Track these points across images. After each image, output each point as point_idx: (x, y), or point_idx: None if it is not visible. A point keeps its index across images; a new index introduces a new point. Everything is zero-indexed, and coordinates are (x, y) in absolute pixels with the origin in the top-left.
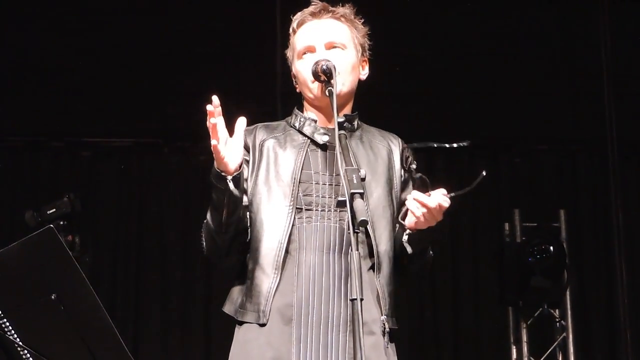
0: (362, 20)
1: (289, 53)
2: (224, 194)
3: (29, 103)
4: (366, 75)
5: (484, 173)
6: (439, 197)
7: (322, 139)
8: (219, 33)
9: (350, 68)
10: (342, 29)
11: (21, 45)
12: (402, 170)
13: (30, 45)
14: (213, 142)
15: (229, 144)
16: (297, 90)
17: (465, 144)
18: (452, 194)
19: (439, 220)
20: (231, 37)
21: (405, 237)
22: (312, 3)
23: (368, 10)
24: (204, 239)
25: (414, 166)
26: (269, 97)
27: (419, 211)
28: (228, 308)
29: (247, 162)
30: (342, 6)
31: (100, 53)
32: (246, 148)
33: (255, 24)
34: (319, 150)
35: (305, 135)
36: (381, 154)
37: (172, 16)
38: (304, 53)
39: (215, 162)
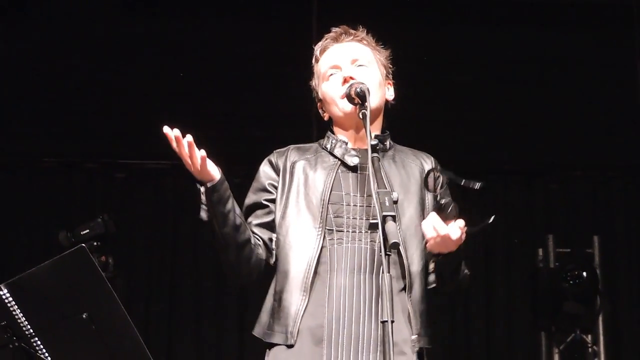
0: (384, 46)
1: (314, 82)
2: (206, 206)
3: (63, 125)
4: (392, 96)
5: (493, 218)
6: (452, 227)
7: (352, 160)
8: (254, 56)
9: (377, 84)
10: (365, 49)
11: (56, 67)
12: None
13: (66, 67)
14: (197, 159)
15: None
16: (325, 118)
17: (477, 185)
18: (466, 230)
19: (452, 250)
20: (266, 60)
21: (431, 266)
22: (332, 30)
23: (404, 35)
24: (220, 262)
25: (440, 191)
26: (305, 120)
27: (431, 234)
28: (257, 331)
29: (275, 187)
30: (366, 32)
31: (135, 75)
32: (277, 172)
33: (291, 47)
34: (350, 171)
35: (335, 157)
36: (414, 173)
37: (206, 39)
38: (330, 74)
39: (195, 175)
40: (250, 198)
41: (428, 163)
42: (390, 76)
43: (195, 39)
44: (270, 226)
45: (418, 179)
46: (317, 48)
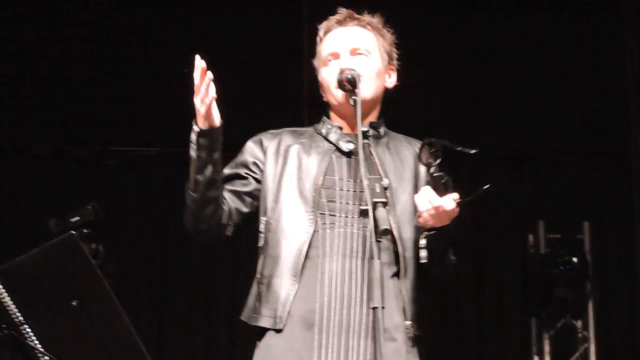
0: (391, 30)
1: (315, 62)
2: (192, 147)
3: (54, 112)
4: (393, 83)
5: (489, 185)
6: (445, 199)
7: (346, 146)
8: (245, 41)
9: (374, 75)
10: (368, 35)
11: (47, 54)
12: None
13: (57, 54)
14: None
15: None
16: (324, 99)
17: (473, 151)
18: (460, 201)
19: (445, 224)
20: (258, 45)
21: (422, 242)
22: (338, 11)
23: (392, 22)
24: (186, 208)
25: (434, 164)
26: (296, 105)
27: (424, 207)
28: (244, 315)
29: (258, 167)
30: (372, 15)
31: (126, 62)
32: (264, 153)
33: (283, 32)
34: (344, 157)
35: (330, 142)
36: (408, 160)
37: (196, 25)
38: (329, 60)
39: (199, 115)
40: (231, 169)
41: None
42: (394, 62)
43: (183, 26)
44: (241, 197)
45: (412, 166)
46: (322, 28)
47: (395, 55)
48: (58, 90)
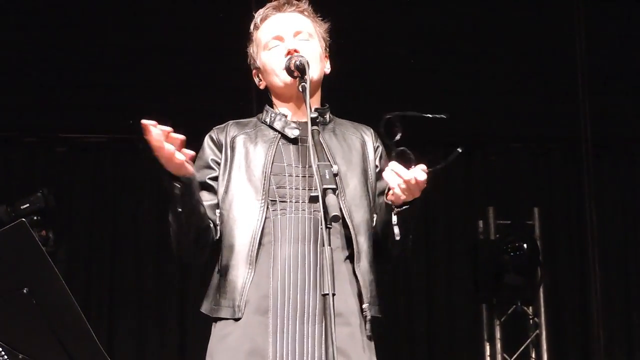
0: (321, 18)
1: (251, 49)
2: (179, 196)
3: (3, 98)
4: (329, 70)
5: (459, 149)
6: (416, 170)
7: (292, 133)
8: (195, 29)
9: (318, 57)
10: (306, 21)
11: None
12: (376, 161)
13: (5, 40)
14: (170, 149)
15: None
16: (262, 86)
17: (443, 116)
18: (430, 169)
19: (416, 196)
20: (207, 32)
21: (395, 219)
22: None
23: (339, 7)
24: (172, 241)
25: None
26: (245, 93)
27: (395, 182)
28: (204, 307)
29: (218, 163)
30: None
31: (75, 48)
32: (219, 148)
33: (231, 19)
34: (291, 144)
35: (276, 130)
36: (355, 145)
37: (146, 12)
38: (271, 43)
39: (167, 167)
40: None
41: (368, 135)
42: (327, 49)
43: (134, 12)
44: (214, 208)
45: (359, 151)
46: (258, 15)
47: (328, 43)
48: (7, 77)
